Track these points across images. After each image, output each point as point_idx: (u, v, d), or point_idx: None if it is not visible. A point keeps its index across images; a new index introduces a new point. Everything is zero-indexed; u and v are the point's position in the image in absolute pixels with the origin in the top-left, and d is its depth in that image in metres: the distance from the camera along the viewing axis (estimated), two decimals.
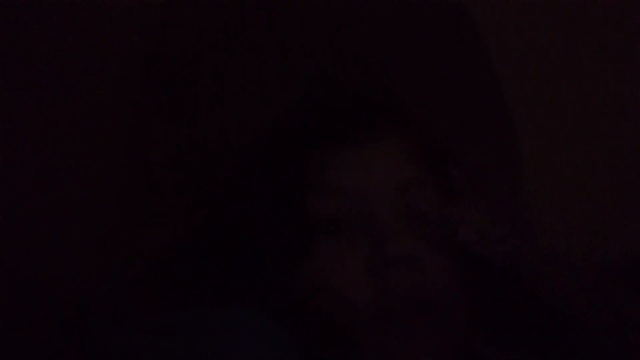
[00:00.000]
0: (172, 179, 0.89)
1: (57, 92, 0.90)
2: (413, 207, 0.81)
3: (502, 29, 1.01)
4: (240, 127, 0.90)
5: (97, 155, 0.93)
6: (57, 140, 0.90)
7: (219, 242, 0.85)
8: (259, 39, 0.91)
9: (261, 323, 0.78)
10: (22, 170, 0.89)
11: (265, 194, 0.85)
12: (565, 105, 1.04)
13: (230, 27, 0.91)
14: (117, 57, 0.92)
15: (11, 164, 0.88)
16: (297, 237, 0.82)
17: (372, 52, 0.93)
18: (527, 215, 0.98)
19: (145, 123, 0.90)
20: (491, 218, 0.79)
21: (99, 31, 0.91)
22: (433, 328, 0.79)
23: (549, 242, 0.90)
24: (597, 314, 0.77)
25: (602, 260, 0.97)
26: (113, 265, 0.87)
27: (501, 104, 0.98)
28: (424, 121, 0.89)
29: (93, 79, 0.91)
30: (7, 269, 0.87)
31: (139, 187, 0.91)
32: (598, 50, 1.04)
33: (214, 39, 0.91)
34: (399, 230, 0.80)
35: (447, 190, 0.84)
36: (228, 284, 0.82)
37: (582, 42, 1.04)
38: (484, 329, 0.84)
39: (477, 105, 0.96)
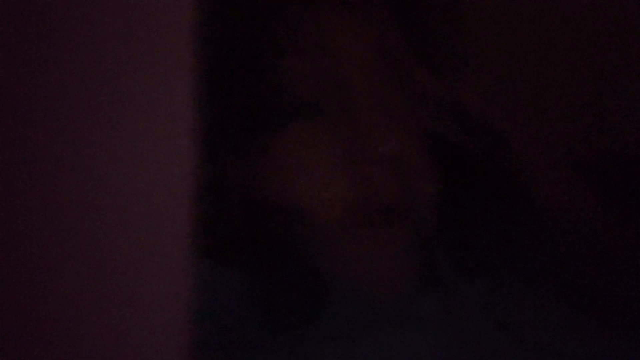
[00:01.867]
0: None
1: None
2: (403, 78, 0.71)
3: None
4: None
5: None
6: None
7: None
8: None
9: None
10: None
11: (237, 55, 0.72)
12: None
13: None
14: None
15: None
16: (265, 112, 0.71)
17: None
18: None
19: None
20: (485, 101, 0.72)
21: None
22: (404, 239, 0.71)
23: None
24: (571, 217, 0.74)
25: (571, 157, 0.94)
26: None
27: None
28: None
29: None
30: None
31: None
32: None
33: None
34: (382, 117, 0.70)
35: (435, 67, 0.75)
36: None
37: None
38: (450, 248, 0.77)
39: None
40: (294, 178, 0.70)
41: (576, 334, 0.74)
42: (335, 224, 0.70)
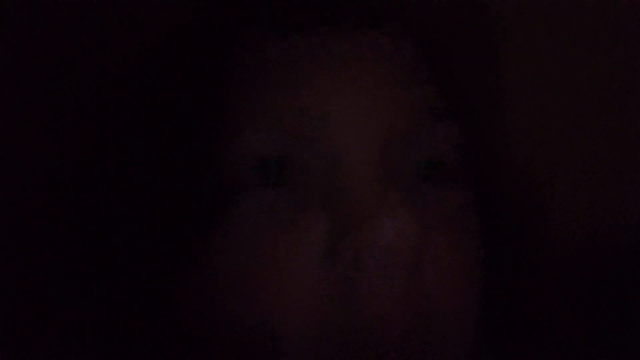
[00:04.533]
0: None
1: None
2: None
3: None
4: None
5: None
6: None
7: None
8: None
9: None
10: None
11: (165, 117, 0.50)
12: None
13: None
14: None
15: None
16: (211, 194, 0.48)
17: None
18: None
19: None
20: None
21: None
22: None
23: None
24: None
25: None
26: None
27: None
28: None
29: None
30: None
31: None
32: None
33: None
34: (388, 198, 0.45)
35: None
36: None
37: None
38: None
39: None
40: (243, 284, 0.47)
41: None
42: (310, 348, 0.45)
